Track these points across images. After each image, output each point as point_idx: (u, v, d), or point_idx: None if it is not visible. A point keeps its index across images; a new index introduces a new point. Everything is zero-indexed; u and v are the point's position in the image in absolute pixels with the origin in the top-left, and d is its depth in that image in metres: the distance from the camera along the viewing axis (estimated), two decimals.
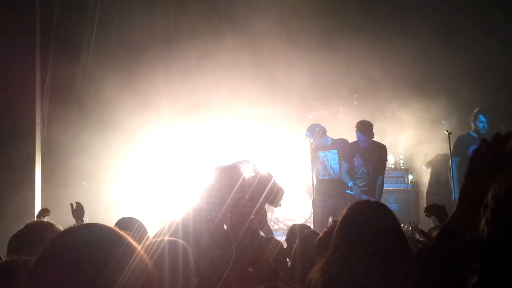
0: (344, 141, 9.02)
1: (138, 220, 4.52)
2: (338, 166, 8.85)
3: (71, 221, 9.54)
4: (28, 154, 9.30)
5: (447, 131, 8.78)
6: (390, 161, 11.14)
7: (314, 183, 8.80)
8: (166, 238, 2.86)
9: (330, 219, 8.36)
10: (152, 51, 11.36)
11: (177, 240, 2.83)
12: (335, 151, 8.87)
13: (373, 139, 8.73)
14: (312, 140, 8.63)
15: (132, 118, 10.80)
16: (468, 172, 1.63)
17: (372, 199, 6.99)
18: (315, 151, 8.82)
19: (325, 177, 8.89)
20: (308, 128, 8.94)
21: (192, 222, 4.33)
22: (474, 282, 1.31)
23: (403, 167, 11.65)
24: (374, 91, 11.57)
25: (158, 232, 3.97)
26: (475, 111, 9.08)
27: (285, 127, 11.71)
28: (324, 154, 8.88)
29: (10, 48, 9.13)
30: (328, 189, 8.73)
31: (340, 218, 2.68)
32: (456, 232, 1.57)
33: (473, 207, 1.51)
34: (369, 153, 8.76)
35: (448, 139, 8.69)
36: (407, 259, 2.50)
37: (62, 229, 1.77)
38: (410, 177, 11.34)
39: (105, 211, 10.06)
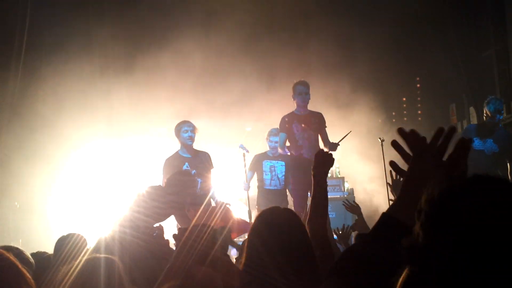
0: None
1: (76, 235, 4.45)
2: (284, 177, 8.84)
3: (3, 242, 9.25)
4: None
5: (380, 138, 8.94)
6: None
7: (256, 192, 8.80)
8: (102, 255, 2.78)
9: None
10: (87, 53, 11.13)
11: (110, 256, 2.76)
12: (283, 163, 8.86)
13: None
14: (245, 152, 8.52)
15: (63, 132, 10.57)
16: (412, 161, 1.63)
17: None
18: (260, 159, 8.80)
19: (271, 187, 8.88)
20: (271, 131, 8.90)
21: (127, 239, 4.26)
22: (402, 282, 1.31)
23: (339, 176, 11.82)
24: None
25: (93, 248, 3.88)
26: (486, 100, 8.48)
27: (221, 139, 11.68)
28: (271, 164, 8.86)
29: None
30: (275, 200, 8.58)
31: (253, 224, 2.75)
32: (394, 219, 1.57)
33: (414, 198, 1.50)
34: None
35: (381, 146, 8.84)
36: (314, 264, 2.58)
37: None
38: (347, 185, 11.51)
39: (40, 230, 9.78)
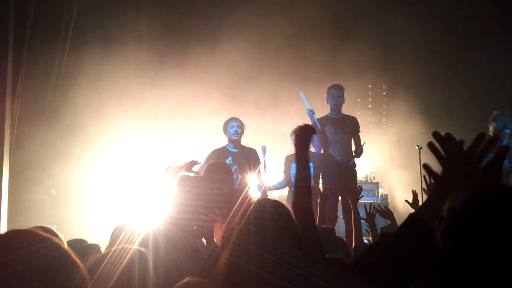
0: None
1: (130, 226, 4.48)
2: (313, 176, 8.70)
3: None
4: None
5: (418, 146, 8.86)
6: (361, 174, 11.20)
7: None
8: (135, 247, 2.81)
9: None
10: (126, 59, 11.29)
11: (141, 249, 2.79)
12: (311, 164, 8.72)
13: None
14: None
15: (102, 125, 10.73)
16: (445, 165, 1.64)
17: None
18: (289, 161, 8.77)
19: None
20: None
21: (164, 233, 4.30)
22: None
23: (374, 181, 11.74)
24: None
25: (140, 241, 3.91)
26: (491, 117, 8.53)
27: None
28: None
29: None
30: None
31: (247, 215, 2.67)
32: (422, 222, 1.57)
33: (443, 202, 1.52)
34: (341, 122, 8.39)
35: (418, 154, 8.76)
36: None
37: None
38: (381, 190, 11.43)
39: (74, 218, 9.95)
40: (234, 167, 7.93)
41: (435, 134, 1.66)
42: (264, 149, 8.18)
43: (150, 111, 11.70)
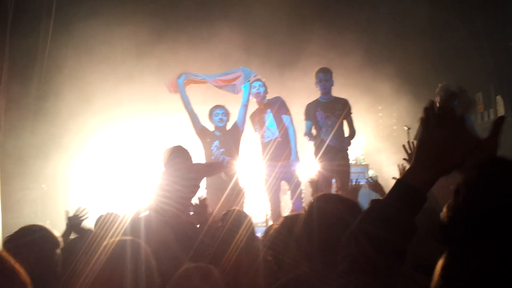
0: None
1: (110, 215, 4.50)
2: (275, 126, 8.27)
3: (31, 223, 9.42)
4: None
5: (406, 126, 8.89)
6: (351, 157, 11.25)
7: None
8: (126, 237, 2.81)
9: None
10: (109, 48, 11.19)
11: (137, 240, 2.80)
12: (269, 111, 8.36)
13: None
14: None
15: (89, 114, 10.71)
16: (424, 125, 1.59)
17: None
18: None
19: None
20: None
21: (153, 222, 4.33)
22: (441, 265, 1.30)
23: (363, 163, 11.79)
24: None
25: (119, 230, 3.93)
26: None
27: None
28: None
29: None
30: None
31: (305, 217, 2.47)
32: (411, 185, 1.54)
33: (428, 162, 1.53)
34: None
35: (407, 135, 8.80)
36: None
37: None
38: (371, 172, 11.48)
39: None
40: (221, 150, 7.95)
41: (430, 103, 1.63)
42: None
43: (138, 97, 11.58)
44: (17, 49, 9.86)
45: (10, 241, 3.36)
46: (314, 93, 8.46)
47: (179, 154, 5.96)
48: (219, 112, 8.16)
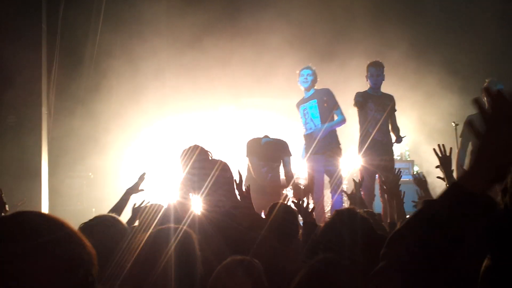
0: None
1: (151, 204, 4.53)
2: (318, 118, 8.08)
3: (76, 211, 9.63)
4: (34, 145, 9.33)
5: (454, 122, 8.72)
6: (396, 152, 11.11)
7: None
8: (172, 225, 2.81)
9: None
10: (159, 42, 11.32)
11: (186, 228, 2.80)
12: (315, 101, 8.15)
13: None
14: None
15: (137, 108, 10.83)
16: (486, 126, 1.45)
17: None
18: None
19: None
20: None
21: (196, 214, 4.34)
22: (486, 265, 1.26)
23: (408, 159, 11.62)
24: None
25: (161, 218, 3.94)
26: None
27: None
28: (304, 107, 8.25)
29: (17, 40, 9.15)
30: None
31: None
32: (465, 189, 1.42)
33: (490, 167, 1.40)
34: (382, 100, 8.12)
35: (455, 131, 8.63)
36: None
37: None
38: (416, 168, 11.31)
39: (112, 201, 10.08)
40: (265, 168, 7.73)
41: (486, 90, 1.53)
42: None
43: (181, 93, 11.69)
44: (68, 40, 10.06)
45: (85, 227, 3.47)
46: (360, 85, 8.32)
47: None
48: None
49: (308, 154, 7.91)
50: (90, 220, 3.59)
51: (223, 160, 5.73)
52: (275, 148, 7.52)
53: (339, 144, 8.09)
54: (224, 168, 5.49)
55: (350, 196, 6.08)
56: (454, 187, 1.46)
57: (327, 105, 8.01)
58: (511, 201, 1.25)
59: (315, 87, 8.18)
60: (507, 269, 1.22)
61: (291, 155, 7.62)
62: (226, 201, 4.64)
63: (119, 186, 10.97)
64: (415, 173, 8.74)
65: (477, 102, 1.50)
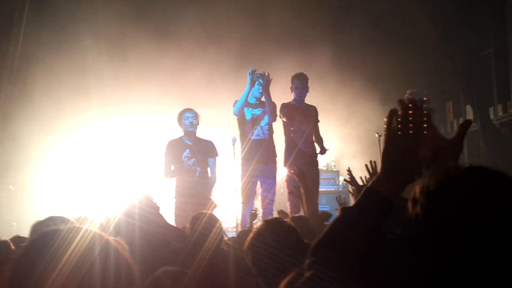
0: None
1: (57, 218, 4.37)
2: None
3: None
4: None
5: (377, 133, 8.94)
6: (322, 163, 11.29)
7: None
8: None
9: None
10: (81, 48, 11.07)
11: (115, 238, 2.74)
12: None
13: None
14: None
15: (59, 115, 10.58)
16: (387, 135, 1.61)
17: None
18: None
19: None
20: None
21: (123, 225, 4.27)
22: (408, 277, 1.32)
23: (334, 169, 11.85)
24: None
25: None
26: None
27: None
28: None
29: None
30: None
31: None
32: (377, 192, 1.55)
33: (394, 173, 1.55)
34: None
35: (378, 142, 8.84)
36: None
37: None
38: (341, 178, 11.53)
39: (33, 214, 9.78)
40: (192, 159, 7.79)
41: (400, 102, 1.64)
42: (233, 140, 8.04)
43: (111, 98, 11.43)
44: None
45: None
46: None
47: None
48: (189, 115, 7.85)
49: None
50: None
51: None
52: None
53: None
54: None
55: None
56: (367, 192, 1.58)
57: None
58: (422, 212, 1.30)
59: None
60: (423, 281, 1.28)
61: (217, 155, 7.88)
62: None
63: (39, 199, 10.68)
64: (340, 191, 8.93)
65: (390, 113, 1.62)
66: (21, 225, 9.38)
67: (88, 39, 10.81)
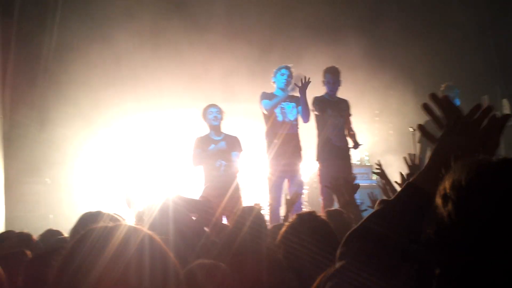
0: None
1: (106, 214, 4.41)
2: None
3: (34, 217, 9.44)
4: None
5: (411, 127, 8.85)
6: (355, 157, 11.21)
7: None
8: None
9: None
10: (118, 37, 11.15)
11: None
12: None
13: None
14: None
15: (95, 110, 10.70)
16: (445, 129, 1.58)
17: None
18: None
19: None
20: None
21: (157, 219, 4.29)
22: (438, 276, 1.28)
23: (368, 164, 11.76)
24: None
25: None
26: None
27: None
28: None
29: None
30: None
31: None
32: (420, 189, 1.53)
33: (443, 167, 1.46)
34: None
35: (412, 136, 8.76)
36: None
37: None
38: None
39: (70, 207, 9.94)
40: (218, 154, 7.87)
41: (433, 96, 1.62)
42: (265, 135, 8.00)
43: (141, 93, 11.52)
44: (24, 44, 9.85)
45: None
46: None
47: None
48: (213, 110, 8.05)
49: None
50: None
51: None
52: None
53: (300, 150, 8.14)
54: None
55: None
56: (408, 187, 1.56)
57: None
58: (454, 211, 1.25)
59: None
60: (454, 281, 1.24)
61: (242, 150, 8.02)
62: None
63: (76, 191, 10.83)
64: (373, 186, 8.83)
65: (426, 108, 1.61)
66: (58, 218, 9.54)
67: (122, 32, 10.90)
